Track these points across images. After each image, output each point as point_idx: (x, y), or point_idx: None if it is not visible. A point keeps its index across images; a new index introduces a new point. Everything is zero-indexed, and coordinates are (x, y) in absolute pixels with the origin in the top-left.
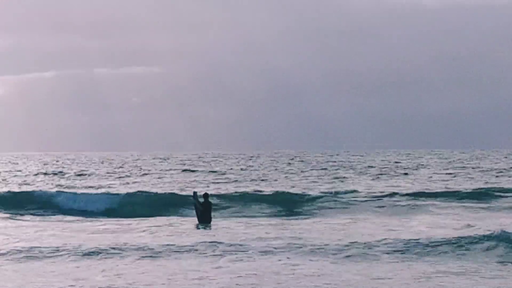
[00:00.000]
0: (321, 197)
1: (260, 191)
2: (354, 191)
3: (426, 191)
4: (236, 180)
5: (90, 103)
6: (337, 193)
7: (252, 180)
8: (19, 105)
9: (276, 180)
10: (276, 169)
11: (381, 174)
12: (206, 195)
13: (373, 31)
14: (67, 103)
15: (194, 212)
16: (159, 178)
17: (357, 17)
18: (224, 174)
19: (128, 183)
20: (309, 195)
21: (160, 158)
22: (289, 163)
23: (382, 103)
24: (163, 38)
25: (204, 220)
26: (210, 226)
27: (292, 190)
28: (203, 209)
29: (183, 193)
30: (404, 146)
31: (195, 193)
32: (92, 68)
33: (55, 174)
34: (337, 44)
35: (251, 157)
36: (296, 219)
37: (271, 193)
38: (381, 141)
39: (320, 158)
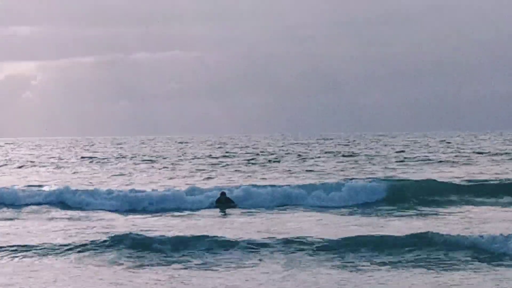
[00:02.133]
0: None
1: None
2: None
3: None
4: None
5: (128, 88)
6: None
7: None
8: (57, 90)
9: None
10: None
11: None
12: (222, 194)
13: (410, 16)
14: (105, 88)
15: None
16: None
17: (394, 3)
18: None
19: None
20: None
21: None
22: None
23: (420, 88)
24: (202, 24)
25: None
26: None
27: None
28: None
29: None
30: (441, 129)
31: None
32: (130, 54)
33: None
34: (374, 30)
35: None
36: None
37: None
38: (419, 125)
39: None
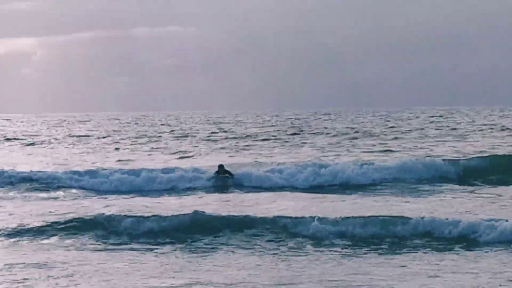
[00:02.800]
0: None
1: None
2: None
3: None
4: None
5: (127, 63)
6: None
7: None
8: (56, 66)
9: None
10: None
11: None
12: (220, 166)
13: None
14: (104, 63)
15: None
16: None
17: None
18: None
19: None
20: None
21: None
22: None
23: (422, 63)
24: (201, 0)
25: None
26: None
27: None
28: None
29: None
30: (444, 103)
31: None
32: (129, 28)
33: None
34: (375, 5)
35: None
36: None
37: None
38: (421, 100)
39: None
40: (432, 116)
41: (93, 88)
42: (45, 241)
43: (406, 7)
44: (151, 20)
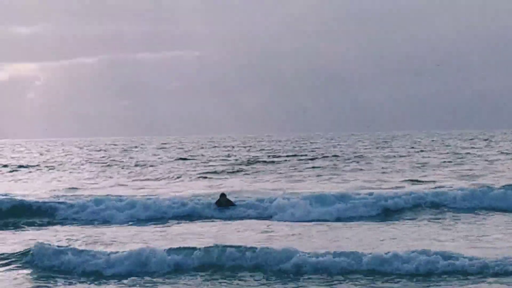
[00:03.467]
0: None
1: None
2: None
3: None
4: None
5: (131, 88)
6: None
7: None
8: (60, 91)
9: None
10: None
11: None
12: (222, 195)
13: (417, 14)
14: (109, 88)
15: None
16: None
17: (400, 1)
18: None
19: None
20: None
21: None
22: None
23: (427, 86)
24: (204, 23)
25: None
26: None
27: None
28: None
29: None
30: (451, 127)
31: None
32: (132, 53)
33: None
34: (380, 28)
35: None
36: None
37: None
38: (428, 123)
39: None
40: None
41: (97, 112)
42: None
43: (411, 30)
44: (155, 44)
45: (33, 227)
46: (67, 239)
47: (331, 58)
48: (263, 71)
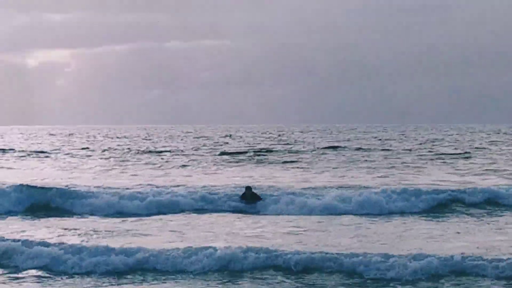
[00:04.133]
0: None
1: None
2: None
3: None
4: None
5: (161, 76)
6: None
7: None
8: (91, 78)
9: None
10: None
11: None
12: (248, 188)
13: (445, 8)
14: (139, 76)
15: None
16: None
17: None
18: None
19: None
20: None
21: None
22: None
23: (454, 80)
24: (235, 13)
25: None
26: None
27: None
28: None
29: None
30: (480, 121)
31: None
32: (163, 42)
33: None
34: (408, 21)
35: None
36: None
37: None
38: (454, 117)
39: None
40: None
41: (126, 101)
42: None
43: (438, 23)
44: (185, 33)
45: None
46: None
47: (361, 51)
48: (292, 62)
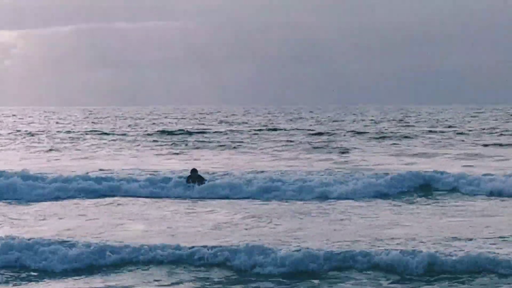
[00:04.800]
0: None
1: None
2: None
3: None
4: None
5: (108, 57)
6: None
7: None
8: (38, 59)
9: None
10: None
11: None
12: (193, 171)
13: None
14: (85, 57)
15: None
16: None
17: None
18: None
19: None
20: None
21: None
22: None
23: (400, 60)
24: None
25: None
26: None
27: None
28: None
29: None
30: (421, 101)
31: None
32: (110, 23)
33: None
34: (358, 1)
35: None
36: None
37: None
38: (398, 96)
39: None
40: None
41: (74, 82)
42: None
43: (395, 2)
44: (132, 14)
45: None
46: None
47: (313, 31)
48: (244, 43)
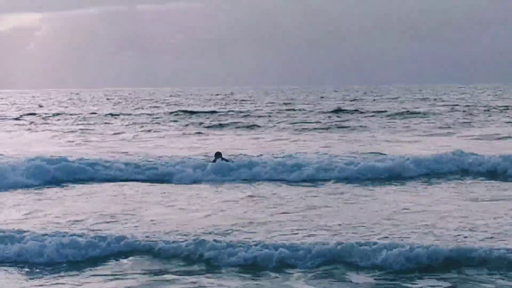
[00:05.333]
0: None
1: None
2: None
3: None
4: None
5: (132, 39)
6: None
7: None
8: (62, 42)
9: None
10: None
11: None
12: (218, 154)
13: None
14: (109, 39)
15: None
16: None
17: None
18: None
19: None
20: None
21: None
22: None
23: (424, 44)
24: None
25: None
26: None
27: None
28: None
29: None
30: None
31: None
32: (134, 5)
33: None
34: None
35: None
36: None
37: None
38: (422, 79)
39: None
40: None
41: (97, 64)
42: None
43: None
44: None
45: None
46: None
47: (331, 15)
48: (265, 25)
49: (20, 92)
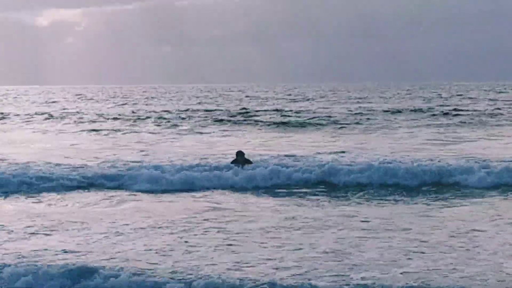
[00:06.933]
0: None
1: None
2: None
3: None
4: None
5: (171, 34)
6: None
7: None
8: (101, 37)
9: None
10: None
11: None
12: (239, 153)
13: None
14: (148, 34)
15: None
16: None
17: None
18: None
19: None
20: None
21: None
22: None
23: (463, 37)
24: None
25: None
26: None
27: None
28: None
29: None
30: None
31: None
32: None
33: None
34: None
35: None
36: None
37: None
38: (461, 75)
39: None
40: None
41: (136, 59)
42: None
43: None
44: None
45: None
46: None
47: (372, 8)
48: (301, 19)
49: (60, 88)
